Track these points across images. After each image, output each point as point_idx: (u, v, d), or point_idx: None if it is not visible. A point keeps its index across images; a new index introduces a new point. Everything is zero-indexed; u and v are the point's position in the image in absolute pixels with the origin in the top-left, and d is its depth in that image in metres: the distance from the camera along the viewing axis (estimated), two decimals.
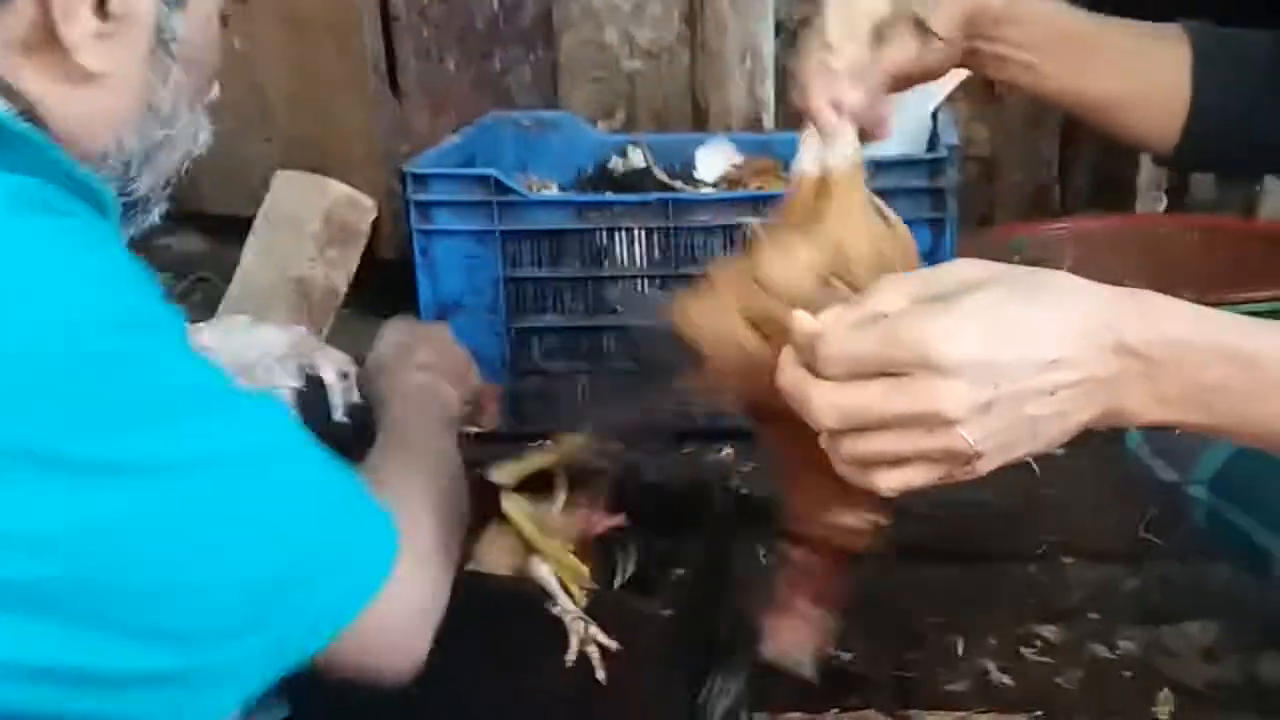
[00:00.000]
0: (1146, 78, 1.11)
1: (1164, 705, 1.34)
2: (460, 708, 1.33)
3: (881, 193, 1.83)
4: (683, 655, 1.34)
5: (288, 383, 1.62)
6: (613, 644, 1.18)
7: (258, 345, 1.66)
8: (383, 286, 2.10)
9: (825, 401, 0.65)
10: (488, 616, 1.32)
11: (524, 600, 1.29)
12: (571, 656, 1.18)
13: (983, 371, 0.62)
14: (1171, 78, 1.10)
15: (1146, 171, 2.45)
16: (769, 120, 2.54)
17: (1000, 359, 0.63)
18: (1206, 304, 1.60)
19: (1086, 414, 0.66)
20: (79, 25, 0.73)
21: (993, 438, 0.64)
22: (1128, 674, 1.41)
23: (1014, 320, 0.64)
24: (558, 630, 1.26)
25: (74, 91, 0.75)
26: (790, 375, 0.67)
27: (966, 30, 1.05)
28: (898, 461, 0.65)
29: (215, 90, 0.88)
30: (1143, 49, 1.12)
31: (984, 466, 0.65)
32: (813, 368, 0.66)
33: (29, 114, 0.73)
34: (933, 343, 0.62)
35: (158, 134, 0.82)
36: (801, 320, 0.67)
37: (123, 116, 0.79)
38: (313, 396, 1.49)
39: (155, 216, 0.88)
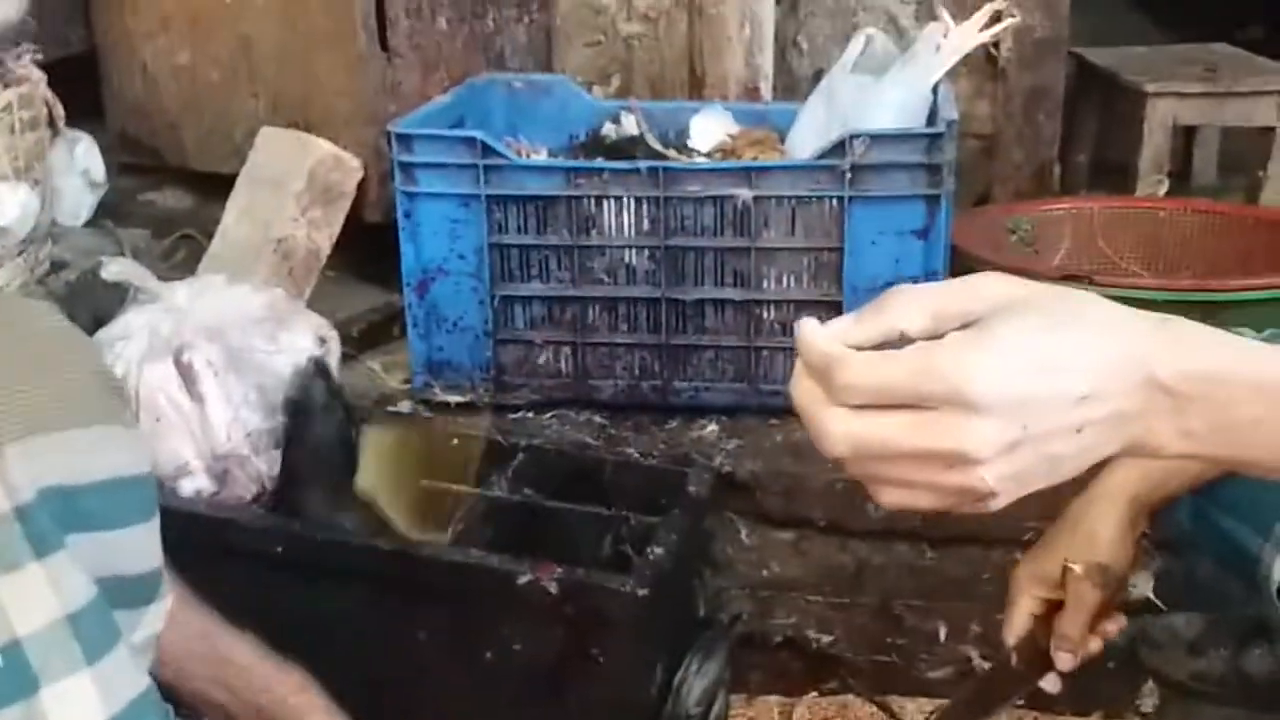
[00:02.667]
0: None
1: (1148, 696, 1.32)
2: (436, 684, 1.31)
3: (878, 167, 1.85)
4: (660, 634, 1.32)
5: (264, 347, 1.59)
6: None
7: (232, 307, 1.63)
8: (367, 249, 2.06)
9: (841, 430, 0.61)
10: (460, 595, 1.30)
11: (497, 577, 1.26)
12: None
13: (1015, 411, 0.60)
14: None
15: (1148, 154, 2.42)
16: (766, 90, 2.49)
17: (1035, 398, 0.60)
18: (1205, 289, 1.52)
19: (1110, 448, 0.63)
20: None
21: (1013, 476, 0.61)
22: (1112, 665, 1.38)
23: (1050, 354, 0.61)
24: (531, 606, 1.24)
25: None
26: (803, 392, 0.62)
27: None
28: (905, 484, 0.62)
29: None
30: None
31: (996, 504, 0.62)
32: (827, 388, 0.61)
33: None
34: (970, 379, 0.59)
35: None
36: (814, 334, 0.62)
37: None
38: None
39: None
